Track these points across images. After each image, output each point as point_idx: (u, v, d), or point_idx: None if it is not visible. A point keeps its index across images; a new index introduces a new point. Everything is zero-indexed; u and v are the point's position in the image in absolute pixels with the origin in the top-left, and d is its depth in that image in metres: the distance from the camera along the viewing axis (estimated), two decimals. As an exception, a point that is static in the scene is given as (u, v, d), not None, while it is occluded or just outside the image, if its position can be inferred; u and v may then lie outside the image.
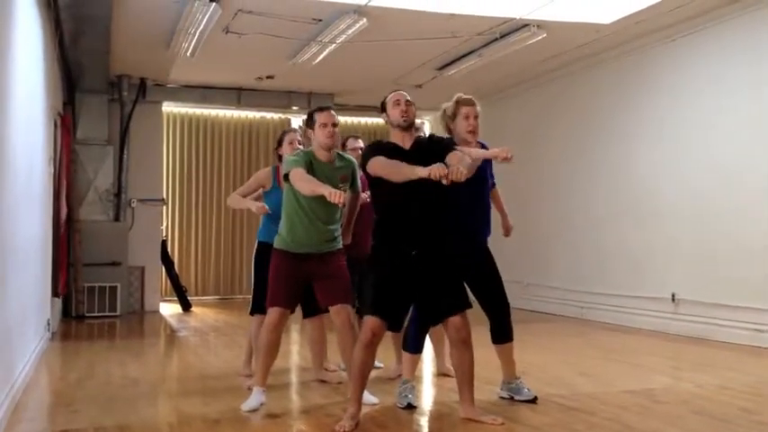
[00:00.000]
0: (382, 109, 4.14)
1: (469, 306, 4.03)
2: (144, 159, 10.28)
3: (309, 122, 4.36)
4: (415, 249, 3.93)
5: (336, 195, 3.76)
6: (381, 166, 3.85)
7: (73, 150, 9.44)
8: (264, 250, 4.84)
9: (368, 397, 4.22)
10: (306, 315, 5.17)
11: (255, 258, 5.16)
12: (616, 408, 4.31)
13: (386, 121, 4.12)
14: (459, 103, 4.47)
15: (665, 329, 7.49)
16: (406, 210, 3.92)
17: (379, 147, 4.04)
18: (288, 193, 4.37)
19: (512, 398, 4.49)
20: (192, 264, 11.36)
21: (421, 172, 3.59)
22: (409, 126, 4.04)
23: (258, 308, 4.94)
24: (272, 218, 4.76)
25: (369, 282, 4.00)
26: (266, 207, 4.83)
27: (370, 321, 3.87)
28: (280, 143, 5.23)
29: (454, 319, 3.94)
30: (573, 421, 4.04)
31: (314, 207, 4.29)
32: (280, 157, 5.13)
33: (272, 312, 4.37)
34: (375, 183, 3.97)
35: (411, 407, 4.32)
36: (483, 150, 4.33)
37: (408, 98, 4.08)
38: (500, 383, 4.59)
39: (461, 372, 4.04)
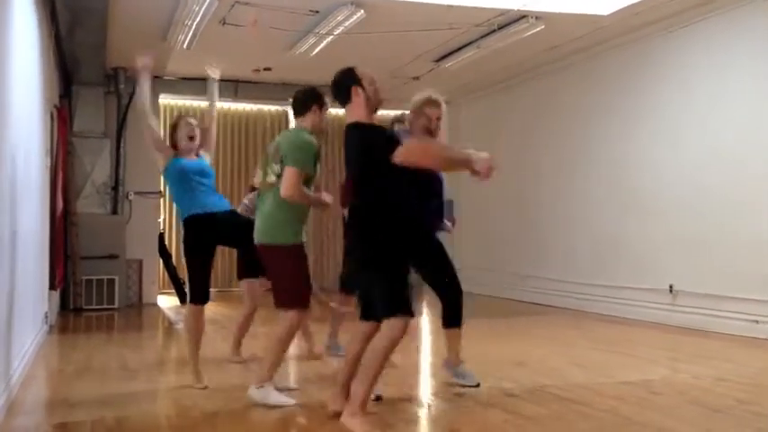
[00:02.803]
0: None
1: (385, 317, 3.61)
2: (141, 152, 10.06)
3: (319, 102, 4.55)
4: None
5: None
6: (425, 149, 3.73)
7: (69, 143, 9.42)
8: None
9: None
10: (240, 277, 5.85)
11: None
12: (612, 399, 4.33)
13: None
14: (425, 103, 4.59)
15: (662, 321, 7.50)
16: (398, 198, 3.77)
17: (392, 133, 4.01)
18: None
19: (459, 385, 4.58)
20: (190, 256, 11.33)
21: (482, 155, 3.47)
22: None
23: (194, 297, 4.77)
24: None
25: (386, 282, 3.65)
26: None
27: (405, 322, 3.58)
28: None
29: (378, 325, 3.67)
30: (568, 412, 4.06)
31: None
32: None
33: (298, 316, 4.19)
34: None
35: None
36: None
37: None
38: (445, 365, 4.72)
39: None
